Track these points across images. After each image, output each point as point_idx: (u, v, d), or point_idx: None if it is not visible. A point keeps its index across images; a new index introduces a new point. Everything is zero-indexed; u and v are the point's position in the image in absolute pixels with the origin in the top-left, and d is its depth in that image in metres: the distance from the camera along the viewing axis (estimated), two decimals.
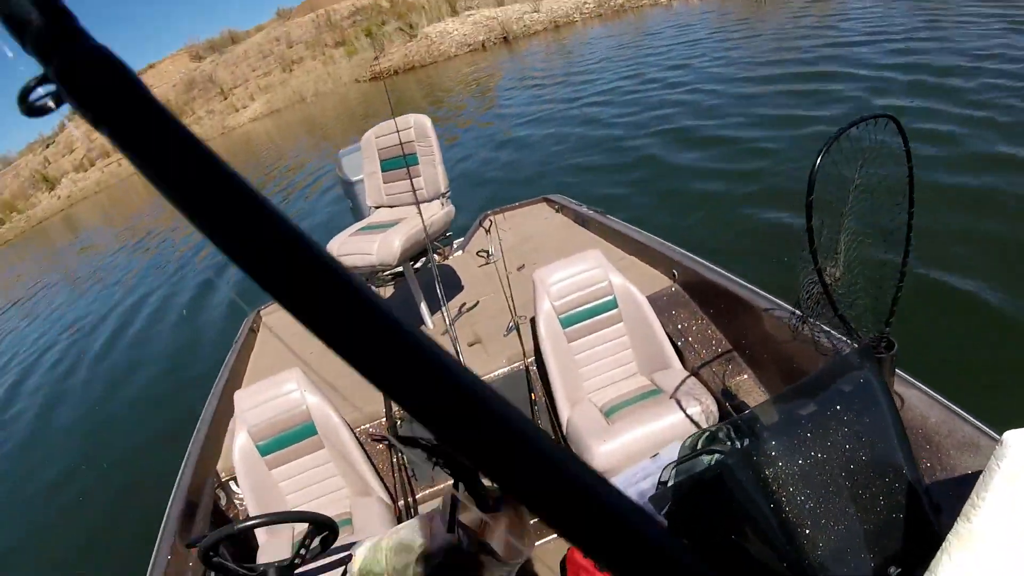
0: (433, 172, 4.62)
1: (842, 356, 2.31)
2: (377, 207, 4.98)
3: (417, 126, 4.61)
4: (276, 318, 6.03)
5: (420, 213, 4.28)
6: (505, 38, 43.69)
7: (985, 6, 14.04)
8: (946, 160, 7.54)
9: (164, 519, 3.24)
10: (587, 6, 44.57)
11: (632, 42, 25.71)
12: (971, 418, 2.32)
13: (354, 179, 6.14)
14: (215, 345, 9.05)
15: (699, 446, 2.78)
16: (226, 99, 58.34)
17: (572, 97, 18.16)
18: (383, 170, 4.90)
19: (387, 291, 5.42)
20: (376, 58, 50.31)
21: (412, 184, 4.53)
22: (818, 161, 2.05)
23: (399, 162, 4.66)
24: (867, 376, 2.09)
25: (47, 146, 62.82)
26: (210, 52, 64.51)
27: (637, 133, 12.62)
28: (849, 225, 2.27)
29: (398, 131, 4.49)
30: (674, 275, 4.32)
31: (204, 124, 55.90)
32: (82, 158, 58.43)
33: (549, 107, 17.88)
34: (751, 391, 3.55)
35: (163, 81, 62.48)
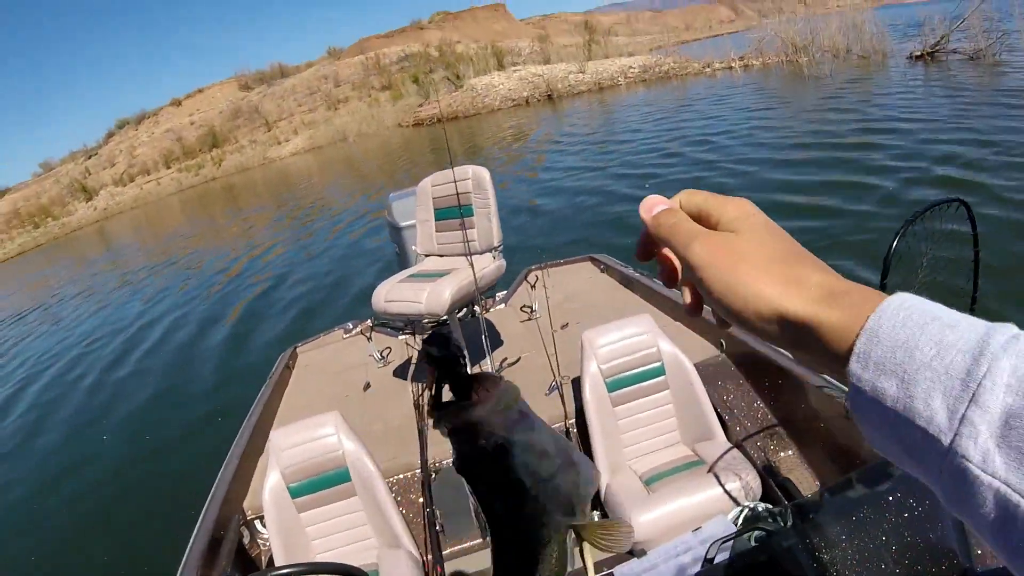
0: (487, 225, 4.56)
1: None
2: (427, 255, 4.92)
3: (475, 177, 4.57)
4: (313, 356, 5.98)
5: (472, 265, 4.20)
6: (549, 96, 44.38)
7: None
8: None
9: (186, 554, 3.15)
10: (632, 71, 45.24)
11: (677, 109, 25.82)
12: None
13: (403, 224, 6.11)
14: (244, 378, 8.98)
15: (739, 523, 2.72)
16: (270, 131, 59.35)
17: (601, 165, 18.24)
18: (437, 218, 4.86)
19: (419, 340, 5.18)
20: (421, 105, 51.04)
21: (465, 235, 4.47)
22: (894, 244, 2.05)
23: (454, 212, 4.62)
24: None
25: (89, 157, 63.98)
26: (258, 83, 65.81)
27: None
28: None
29: (455, 181, 4.46)
30: (721, 344, 4.26)
31: (246, 153, 56.92)
32: (122, 173, 59.48)
33: (580, 170, 17.97)
34: (795, 468, 3.47)
35: (210, 107, 63.74)
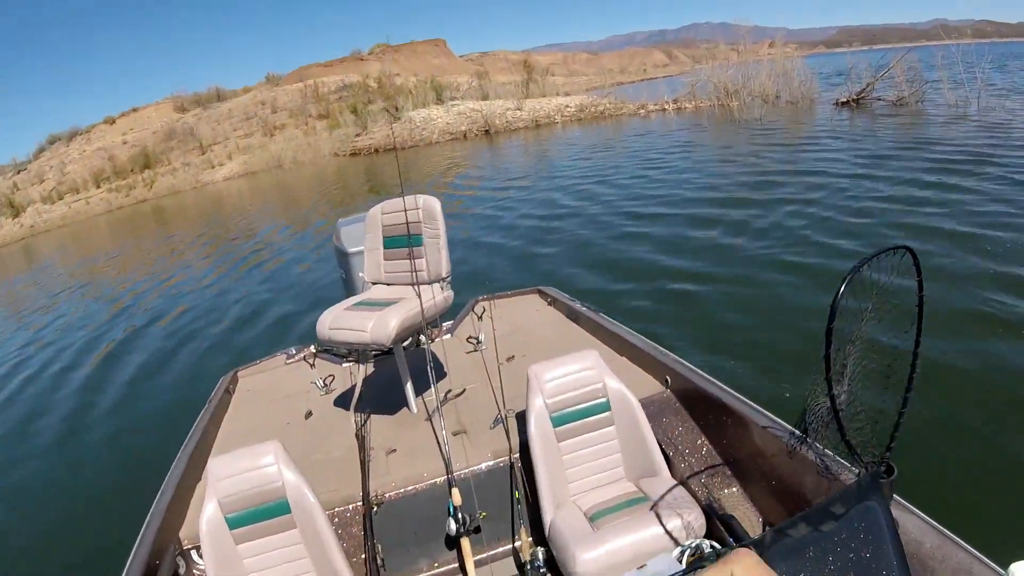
0: (437, 256, 4.50)
1: (853, 485, 2.28)
2: (374, 283, 4.84)
3: (426, 208, 4.51)
4: (254, 381, 5.86)
5: (419, 295, 4.26)
6: (487, 131, 44.76)
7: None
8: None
9: None
10: (568, 110, 46.05)
11: (614, 148, 26.38)
12: (966, 545, 2.33)
13: (351, 250, 5.97)
14: (180, 401, 8.86)
15: (683, 561, 2.80)
16: (204, 154, 58.55)
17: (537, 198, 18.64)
18: (385, 247, 4.77)
19: (368, 368, 5.22)
20: (358, 135, 51.07)
21: (413, 265, 4.49)
22: (841, 289, 2.09)
23: (403, 241, 4.60)
24: (872, 505, 2.11)
25: (18, 171, 62.34)
26: (195, 105, 64.96)
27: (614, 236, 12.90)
28: (856, 350, 2.31)
29: (406, 210, 4.49)
30: (667, 381, 4.25)
31: (179, 175, 56.07)
32: (51, 190, 57.98)
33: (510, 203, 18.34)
34: (739, 505, 3.46)
35: (144, 126, 62.70)
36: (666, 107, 40.43)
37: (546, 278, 9.78)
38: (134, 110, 66.52)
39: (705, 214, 13.37)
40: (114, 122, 65.25)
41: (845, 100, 28.78)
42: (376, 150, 46.60)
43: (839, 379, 2.29)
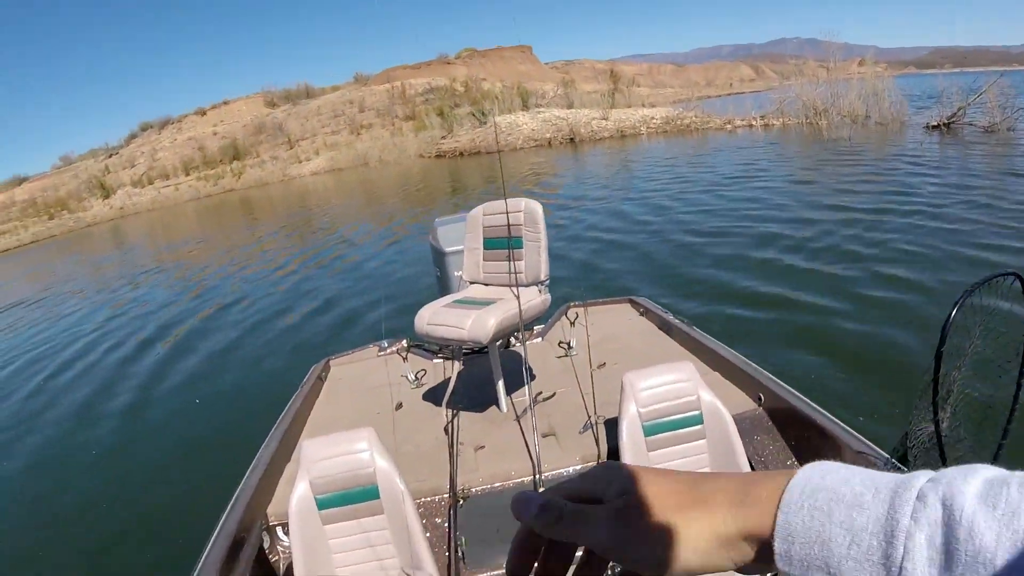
0: (536, 259, 4.50)
1: None
2: (472, 282, 4.86)
3: (528, 211, 4.51)
4: (345, 370, 5.95)
5: (518, 297, 4.27)
6: (572, 139, 44.78)
7: None
8: None
9: (206, 553, 3.15)
10: (654, 121, 45.74)
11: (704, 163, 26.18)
12: None
13: (447, 249, 5.90)
14: (267, 386, 9.05)
15: None
16: (292, 148, 59.68)
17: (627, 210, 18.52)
18: (485, 247, 4.79)
19: (459, 365, 5.06)
20: (443, 137, 51.54)
21: (513, 267, 4.51)
22: (953, 313, 2.09)
23: (503, 243, 4.60)
24: None
25: (110, 155, 64.30)
26: (284, 101, 66.24)
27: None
28: (961, 375, 2.26)
29: (507, 212, 4.49)
30: (760, 399, 4.21)
31: (266, 168, 57.22)
32: (142, 175, 59.74)
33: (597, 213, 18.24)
34: None
35: (235, 119, 64.15)
36: (753, 123, 39.81)
37: (622, 290, 9.70)
38: (225, 103, 68.11)
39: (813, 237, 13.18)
40: (205, 113, 66.94)
41: (936, 124, 27.94)
42: (461, 153, 46.96)
43: (943, 404, 2.29)
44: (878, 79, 34.51)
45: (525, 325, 4.46)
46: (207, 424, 8.65)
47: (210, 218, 39.53)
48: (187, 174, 59.42)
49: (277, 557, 3.66)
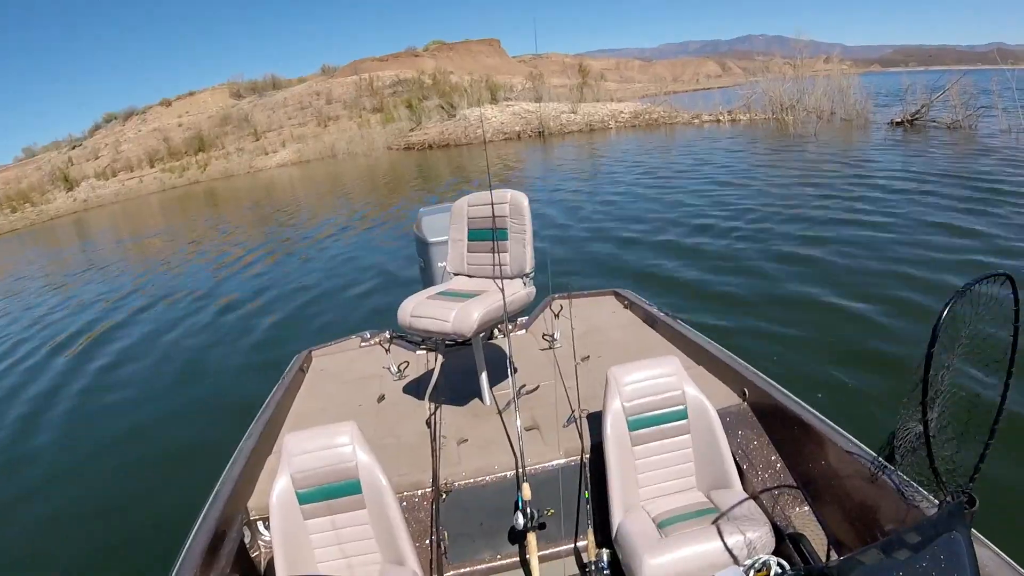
0: (521, 251, 4.46)
1: (937, 515, 2.23)
2: (456, 274, 4.84)
3: (513, 203, 4.47)
4: (327, 361, 5.91)
5: (502, 290, 4.25)
6: (541, 132, 44.91)
7: None
8: None
9: (186, 547, 3.12)
10: (622, 115, 46.06)
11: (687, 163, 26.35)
12: None
13: (431, 240, 5.95)
14: (244, 377, 9.06)
15: (751, 575, 2.78)
16: (258, 140, 59.25)
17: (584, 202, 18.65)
18: (470, 239, 4.75)
19: (442, 357, 5.04)
20: (412, 130, 51.41)
21: (497, 259, 4.50)
22: (944, 313, 2.09)
23: (487, 234, 4.58)
24: (956, 537, 2.07)
25: (74, 147, 63.48)
26: (250, 92, 65.78)
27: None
28: (948, 376, 2.29)
29: (493, 204, 4.46)
30: (744, 393, 4.20)
31: (232, 159, 56.79)
32: (106, 167, 59.00)
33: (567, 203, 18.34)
34: (809, 525, 3.41)
35: (200, 110, 63.59)
36: (720, 118, 40.25)
37: (605, 281, 9.72)
38: (190, 94, 67.51)
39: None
40: (170, 104, 66.26)
41: (900, 120, 28.48)
42: (430, 146, 46.85)
43: (931, 405, 2.28)
44: (844, 76, 35.27)
45: (509, 317, 4.42)
46: (186, 417, 8.56)
47: (175, 210, 39.24)
48: (152, 166, 58.75)
49: (258, 552, 3.63)
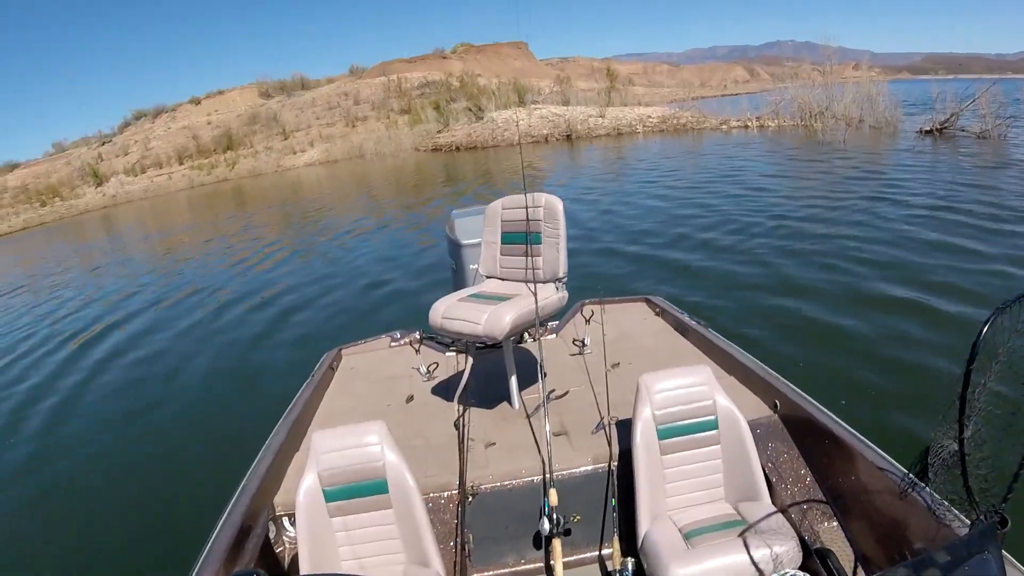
0: (554, 255, 4.46)
1: (969, 535, 2.22)
2: (489, 276, 4.85)
3: (548, 206, 4.47)
4: (357, 360, 5.92)
5: (535, 294, 4.25)
6: (568, 136, 44.77)
7: None
8: None
9: (211, 540, 3.15)
10: (650, 120, 45.92)
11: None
12: None
13: (464, 242, 5.93)
14: (274, 373, 9.11)
15: None
16: (286, 139, 59.55)
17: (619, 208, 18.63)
18: (503, 242, 4.76)
19: (472, 359, 4.93)
20: (439, 131, 51.54)
21: (531, 262, 4.48)
22: (983, 330, 2.07)
23: (521, 237, 4.58)
24: (988, 558, 2.05)
25: (103, 143, 63.97)
26: (279, 92, 66.01)
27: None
28: (984, 394, 2.25)
29: (527, 207, 4.46)
30: (776, 405, 4.17)
31: (260, 158, 57.11)
32: (135, 163, 59.43)
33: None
34: (837, 540, 3.40)
35: (229, 109, 63.92)
36: (749, 124, 40.06)
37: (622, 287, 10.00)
38: (219, 92, 67.82)
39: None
40: (199, 103, 66.64)
41: (928, 129, 28.35)
42: (457, 147, 46.87)
43: (967, 423, 2.25)
44: (873, 83, 35.05)
45: (540, 321, 4.41)
46: (217, 412, 8.64)
47: (204, 207, 39.50)
48: (180, 163, 59.17)
49: (283, 548, 3.66)
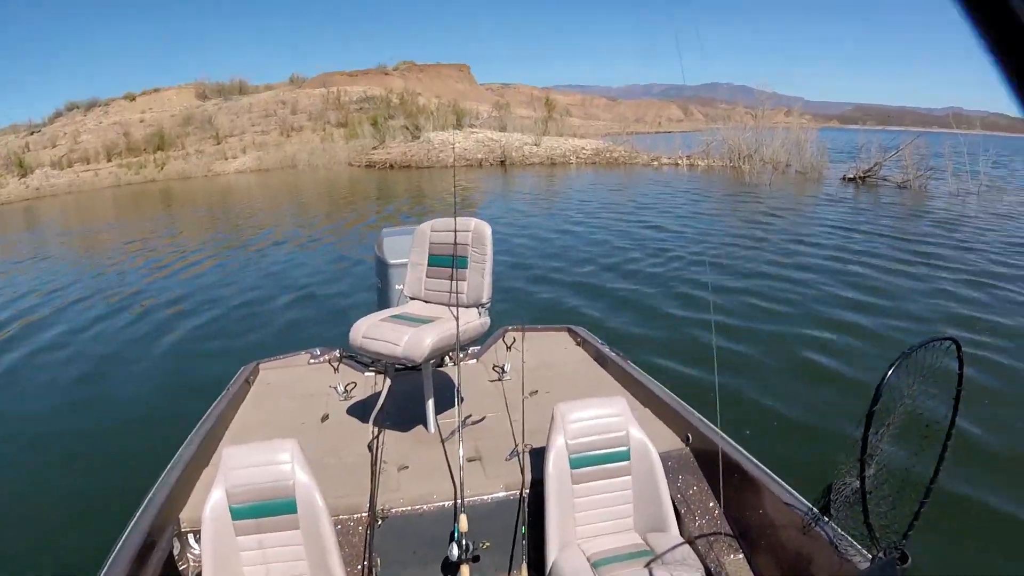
0: (479, 281, 4.46)
1: (868, 571, 2.32)
2: (413, 298, 4.80)
3: (476, 231, 4.47)
4: (275, 375, 5.81)
5: (456, 318, 4.21)
6: (503, 162, 45.17)
7: None
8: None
9: (113, 554, 3.07)
10: (584, 152, 46.65)
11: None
12: None
13: (391, 261, 5.85)
14: (188, 384, 8.90)
15: None
16: (219, 144, 58.63)
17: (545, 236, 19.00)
18: (430, 264, 4.73)
19: (390, 381, 4.90)
20: (375, 147, 51.40)
21: (455, 286, 4.47)
22: (888, 374, 2.16)
23: (448, 261, 4.56)
24: None
25: (32, 133, 62.08)
26: (216, 95, 64.83)
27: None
28: (889, 434, 2.37)
29: (456, 231, 4.46)
30: (688, 438, 4.22)
31: (191, 161, 56.05)
32: (62, 156, 57.74)
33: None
34: (742, 572, 3.47)
35: (164, 108, 62.59)
36: (679, 162, 41.01)
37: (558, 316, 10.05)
38: (156, 90, 66.28)
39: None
40: (134, 99, 65.14)
41: (852, 176, 29.58)
42: (391, 165, 46.78)
43: (869, 462, 2.35)
44: (802, 130, 36.27)
45: (461, 346, 4.40)
46: (125, 422, 8.30)
47: (129, 207, 38.53)
48: (109, 160, 57.60)
49: (187, 565, 3.56)
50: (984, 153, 28.08)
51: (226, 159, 56.43)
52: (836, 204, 23.77)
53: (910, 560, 2.23)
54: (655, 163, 42.58)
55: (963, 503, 5.45)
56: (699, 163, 39.97)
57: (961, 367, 2.27)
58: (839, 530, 2.81)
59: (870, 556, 2.40)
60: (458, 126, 53.72)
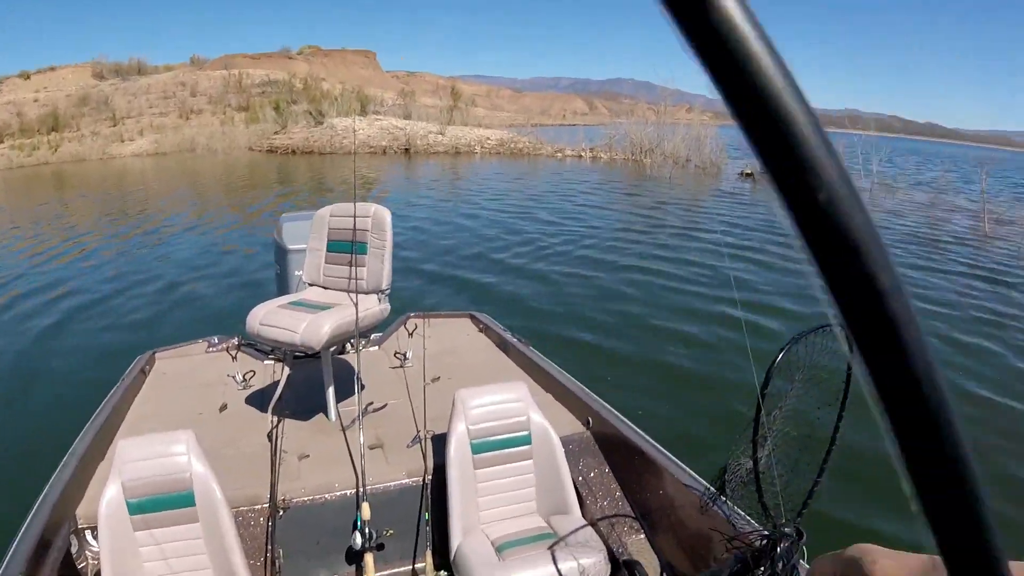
0: (379, 267, 4.45)
1: (764, 547, 2.36)
2: (311, 284, 4.78)
3: (376, 217, 4.46)
4: (171, 364, 5.66)
5: (355, 304, 4.24)
6: (407, 150, 45.08)
7: None
8: None
9: (9, 554, 2.98)
10: (489, 142, 47.01)
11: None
12: None
13: (291, 247, 5.76)
14: (81, 375, 8.69)
15: None
16: (115, 126, 56.93)
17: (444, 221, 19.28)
18: (328, 250, 4.71)
19: (290, 369, 4.77)
20: (276, 132, 50.70)
21: (354, 272, 4.48)
22: (778, 358, 2.24)
23: (347, 247, 4.55)
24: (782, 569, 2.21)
25: None
26: (114, 75, 62.80)
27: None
28: (781, 416, 2.48)
29: (355, 216, 4.44)
30: (588, 422, 4.30)
31: (86, 143, 54.24)
32: None
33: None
34: (644, 553, 3.55)
35: (59, 88, 60.41)
36: (583, 154, 41.84)
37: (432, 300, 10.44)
38: (51, 68, 63.78)
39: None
40: (29, 77, 62.59)
41: (749, 172, 30.82)
42: (293, 151, 46.15)
43: (762, 443, 2.43)
44: (703, 126, 37.29)
45: (361, 333, 4.45)
46: (16, 416, 8.02)
47: (19, 191, 37.23)
48: (1, 141, 55.63)
49: (85, 563, 3.48)
50: (876, 153, 29.64)
51: (122, 141, 54.72)
52: (732, 198, 24.94)
53: (805, 536, 2.29)
54: (559, 155, 43.32)
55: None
56: (602, 156, 40.91)
57: (851, 351, 2.50)
58: (737, 509, 2.95)
59: (766, 532, 2.46)
60: (362, 113, 53.33)
